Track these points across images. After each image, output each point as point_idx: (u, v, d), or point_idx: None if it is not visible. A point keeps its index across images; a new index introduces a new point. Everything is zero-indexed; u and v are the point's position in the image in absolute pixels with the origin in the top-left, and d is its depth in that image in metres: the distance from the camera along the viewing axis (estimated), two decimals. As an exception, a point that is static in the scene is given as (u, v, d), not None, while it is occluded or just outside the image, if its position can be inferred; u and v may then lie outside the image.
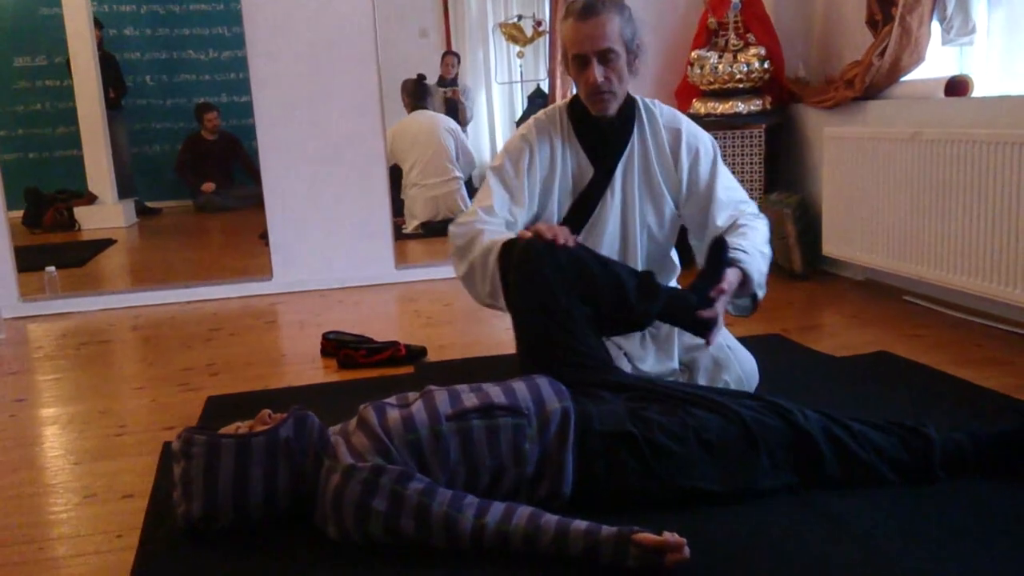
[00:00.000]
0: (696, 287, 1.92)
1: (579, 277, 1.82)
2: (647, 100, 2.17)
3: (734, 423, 1.61)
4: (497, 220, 2.06)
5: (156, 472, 1.93)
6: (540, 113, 2.18)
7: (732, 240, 1.98)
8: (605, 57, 1.98)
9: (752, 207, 2.16)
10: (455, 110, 5.49)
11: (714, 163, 2.14)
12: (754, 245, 2.01)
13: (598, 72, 1.98)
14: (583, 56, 1.99)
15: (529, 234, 1.85)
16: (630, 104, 2.12)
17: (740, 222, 2.08)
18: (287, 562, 1.49)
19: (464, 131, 5.48)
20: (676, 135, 2.14)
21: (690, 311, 1.88)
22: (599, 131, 2.10)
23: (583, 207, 2.14)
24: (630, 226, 2.14)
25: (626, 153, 2.12)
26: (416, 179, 4.75)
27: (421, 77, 4.99)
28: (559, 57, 4.82)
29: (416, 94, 4.95)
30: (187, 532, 1.57)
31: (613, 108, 2.06)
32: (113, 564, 1.57)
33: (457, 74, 5.57)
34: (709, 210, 2.11)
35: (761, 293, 2.03)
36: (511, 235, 1.97)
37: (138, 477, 1.94)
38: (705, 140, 2.16)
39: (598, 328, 1.87)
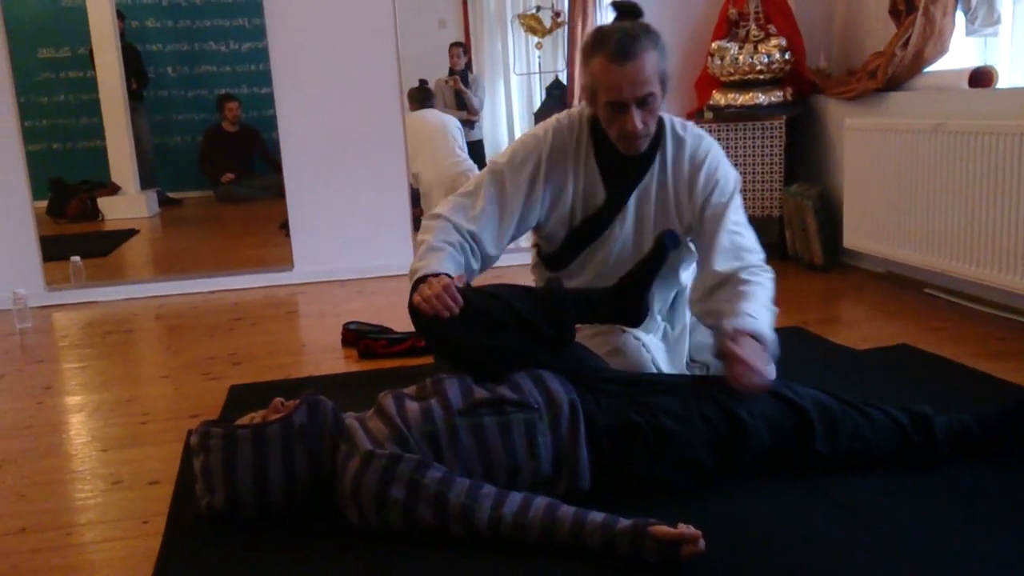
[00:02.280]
0: (626, 276, 1.83)
1: (488, 326, 1.71)
2: (677, 123, 2.01)
3: (725, 400, 1.63)
4: (459, 226, 1.91)
5: (181, 459, 1.96)
6: (564, 117, 2.02)
7: (739, 305, 1.79)
8: (645, 102, 1.82)
9: (758, 257, 1.94)
10: (463, 101, 5.52)
11: (728, 202, 1.96)
12: (762, 305, 1.83)
13: (637, 118, 1.83)
14: (621, 103, 1.82)
15: (418, 299, 1.72)
16: (657, 129, 1.96)
17: (743, 276, 1.86)
18: (311, 546, 1.52)
19: (475, 120, 5.53)
20: (697, 165, 1.97)
21: (605, 308, 1.81)
22: (620, 158, 1.95)
23: (589, 230, 2.02)
24: (636, 255, 1.96)
25: (643, 183, 1.99)
26: (429, 163, 4.82)
27: (423, 82, 5.14)
28: (577, 74, 4.77)
29: (420, 99, 5.14)
30: (212, 520, 1.60)
31: (645, 146, 1.93)
32: (140, 549, 1.60)
33: (466, 63, 5.57)
34: (708, 253, 1.93)
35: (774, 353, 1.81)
36: (437, 261, 1.83)
37: (164, 464, 1.97)
38: (726, 175, 1.98)
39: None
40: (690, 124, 2.04)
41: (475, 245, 1.93)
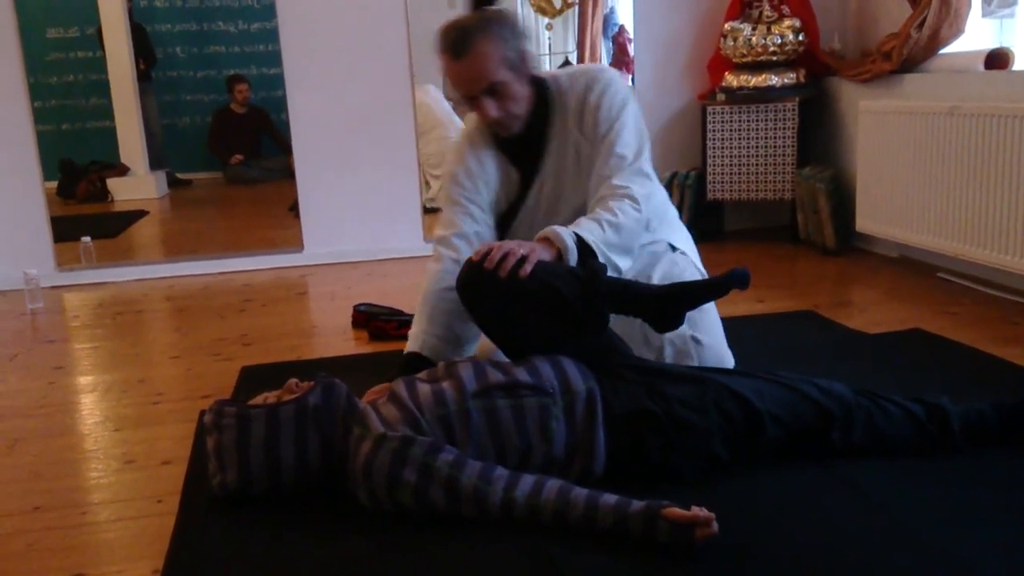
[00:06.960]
0: (677, 285, 1.83)
1: (528, 301, 1.73)
2: (557, 78, 2.01)
3: (744, 392, 1.62)
4: (456, 253, 2.00)
5: (194, 439, 1.97)
6: (468, 120, 2.09)
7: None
8: (492, 91, 1.87)
9: (627, 180, 1.91)
10: None
11: (615, 119, 1.94)
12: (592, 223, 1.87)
13: (490, 108, 1.88)
14: (469, 97, 1.89)
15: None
16: (541, 94, 1.98)
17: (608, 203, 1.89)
18: (323, 527, 1.52)
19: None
20: (583, 98, 1.96)
21: (641, 307, 1.80)
22: (515, 138, 2.00)
23: (509, 214, 2.07)
24: (555, 211, 2.03)
25: (549, 151, 2.01)
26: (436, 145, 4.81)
27: None
28: (587, 30, 4.76)
29: None
30: (225, 499, 1.60)
31: (519, 126, 1.95)
32: (155, 528, 1.60)
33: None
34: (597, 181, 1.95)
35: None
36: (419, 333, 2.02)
37: (176, 444, 1.98)
38: (609, 89, 1.95)
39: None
40: (572, 69, 2.04)
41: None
